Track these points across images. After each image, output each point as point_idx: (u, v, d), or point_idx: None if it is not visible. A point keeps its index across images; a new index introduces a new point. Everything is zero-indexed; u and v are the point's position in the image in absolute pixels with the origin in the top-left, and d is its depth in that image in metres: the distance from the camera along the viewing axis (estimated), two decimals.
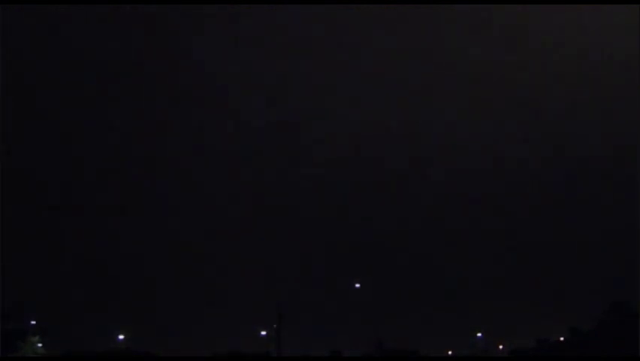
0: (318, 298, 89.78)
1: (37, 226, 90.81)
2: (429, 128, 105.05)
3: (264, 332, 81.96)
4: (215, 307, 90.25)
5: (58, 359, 68.45)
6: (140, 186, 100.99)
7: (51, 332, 72.76)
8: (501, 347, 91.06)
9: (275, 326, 76.54)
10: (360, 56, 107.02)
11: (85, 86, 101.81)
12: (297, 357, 73.85)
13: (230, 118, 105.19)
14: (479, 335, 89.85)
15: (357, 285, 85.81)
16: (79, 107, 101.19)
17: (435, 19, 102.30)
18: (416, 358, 79.88)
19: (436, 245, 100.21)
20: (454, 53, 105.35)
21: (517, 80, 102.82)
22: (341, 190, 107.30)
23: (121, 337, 77.46)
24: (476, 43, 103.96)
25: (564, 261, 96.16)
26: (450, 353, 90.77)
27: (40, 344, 69.50)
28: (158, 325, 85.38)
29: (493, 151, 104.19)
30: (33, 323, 72.50)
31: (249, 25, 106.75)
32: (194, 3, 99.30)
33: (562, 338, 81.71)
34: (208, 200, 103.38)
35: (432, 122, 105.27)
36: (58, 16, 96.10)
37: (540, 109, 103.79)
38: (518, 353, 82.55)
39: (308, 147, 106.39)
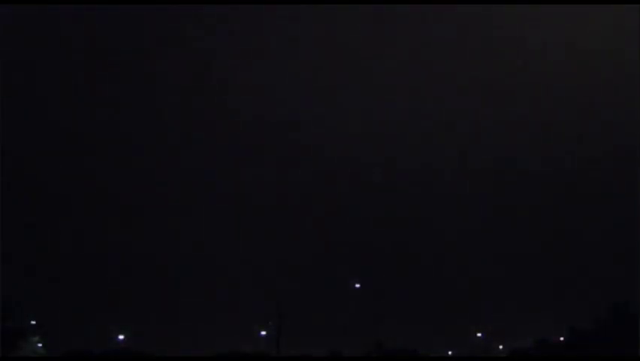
0: (318, 298, 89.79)
1: (37, 226, 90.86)
2: (430, 129, 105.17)
3: (263, 332, 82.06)
4: (215, 307, 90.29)
5: (58, 359, 68.51)
6: (140, 186, 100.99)
7: (51, 332, 72.85)
8: (501, 347, 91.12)
9: (274, 324, 76.64)
10: (361, 54, 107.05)
11: (82, 84, 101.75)
12: (297, 357, 73.89)
13: (231, 117, 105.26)
14: (479, 334, 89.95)
15: (357, 285, 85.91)
16: (78, 105, 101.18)
17: (434, 18, 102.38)
18: (416, 358, 79.89)
19: (436, 245, 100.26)
20: (454, 53, 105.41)
21: (516, 80, 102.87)
22: (341, 190, 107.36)
23: (121, 337, 77.54)
24: (475, 43, 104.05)
25: (564, 261, 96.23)
26: (450, 353, 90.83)
27: (40, 344, 69.55)
28: (158, 325, 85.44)
29: (492, 151, 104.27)
30: (33, 322, 72.56)
31: (249, 24, 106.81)
32: (193, 3, 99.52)
33: (562, 338, 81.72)
34: (208, 199, 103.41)
35: (433, 122, 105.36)
36: (57, 15, 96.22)
37: (539, 109, 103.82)
38: (518, 353, 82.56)
39: (308, 146, 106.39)
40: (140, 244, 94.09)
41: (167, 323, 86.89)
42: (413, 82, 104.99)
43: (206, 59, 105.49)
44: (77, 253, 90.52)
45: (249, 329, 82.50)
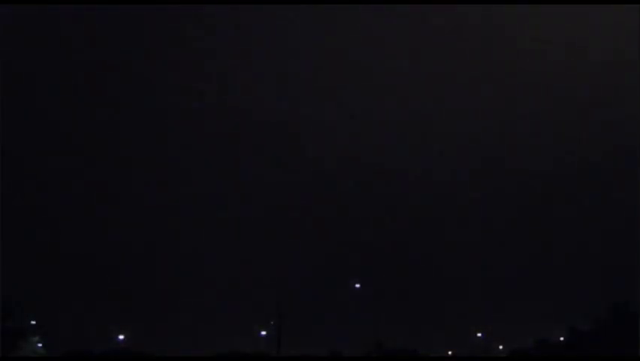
0: (318, 298, 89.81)
1: (38, 226, 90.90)
2: (430, 128, 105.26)
3: (263, 332, 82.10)
4: (216, 307, 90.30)
5: (58, 359, 68.52)
6: (140, 186, 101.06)
7: (51, 332, 72.87)
8: (501, 347, 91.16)
9: (274, 324, 76.62)
10: (359, 54, 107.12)
11: (82, 83, 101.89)
12: (297, 357, 73.89)
13: (230, 117, 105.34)
14: (479, 334, 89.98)
15: (357, 285, 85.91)
16: (78, 105, 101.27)
17: (434, 18, 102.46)
18: (416, 358, 79.92)
19: (436, 245, 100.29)
20: (455, 53, 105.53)
21: (516, 80, 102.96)
22: (341, 190, 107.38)
23: (121, 337, 77.54)
24: (475, 43, 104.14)
25: (564, 261, 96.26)
26: (450, 353, 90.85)
27: (40, 344, 69.57)
28: (158, 325, 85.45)
29: (493, 152, 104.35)
30: (33, 323, 72.57)
31: (250, 24, 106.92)
32: (193, 3, 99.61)
33: (561, 338, 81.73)
34: (207, 199, 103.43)
35: (433, 121, 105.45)
36: (58, 16, 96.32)
37: (539, 109, 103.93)
38: (518, 353, 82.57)
39: (308, 146, 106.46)
40: (140, 244, 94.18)
41: (167, 323, 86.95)
42: (413, 82, 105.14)
43: (206, 59, 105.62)
44: (77, 253, 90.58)
45: (249, 329, 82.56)
